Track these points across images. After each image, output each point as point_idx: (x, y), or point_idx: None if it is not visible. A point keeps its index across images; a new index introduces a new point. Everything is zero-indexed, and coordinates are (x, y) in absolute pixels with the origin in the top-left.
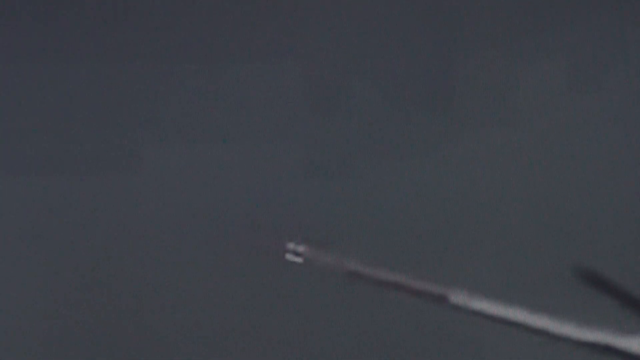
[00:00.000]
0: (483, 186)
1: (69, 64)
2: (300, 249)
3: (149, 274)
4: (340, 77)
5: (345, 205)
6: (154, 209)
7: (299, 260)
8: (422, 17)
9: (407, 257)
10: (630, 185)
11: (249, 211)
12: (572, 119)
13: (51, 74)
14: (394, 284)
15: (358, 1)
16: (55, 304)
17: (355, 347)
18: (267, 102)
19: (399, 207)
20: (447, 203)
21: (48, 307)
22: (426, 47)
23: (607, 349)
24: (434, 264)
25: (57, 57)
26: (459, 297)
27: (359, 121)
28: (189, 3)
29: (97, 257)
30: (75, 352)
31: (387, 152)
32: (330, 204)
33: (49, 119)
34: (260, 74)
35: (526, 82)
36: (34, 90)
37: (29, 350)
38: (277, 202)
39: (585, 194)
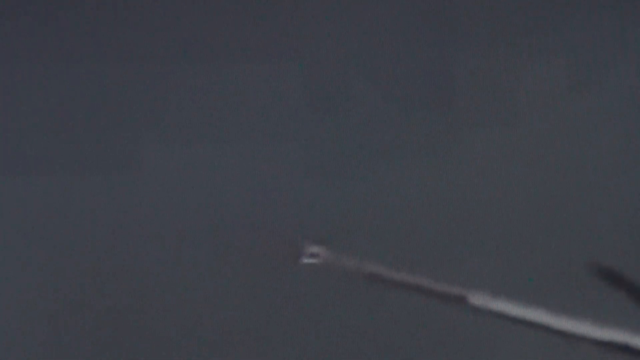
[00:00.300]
0: (494, 186)
1: (69, 64)
2: (315, 250)
3: (157, 278)
4: (344, 78)
5: (356, 206)
6: (161, 212)
7: (314, 262)
8: (422, 16)
9: (421, 259)
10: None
11: (262, 213)
12: (576, 116)
13: (51, 74)
14: (411, 286)
15: (358, 1)
16: (56, 305)
17: (372, 348)
18: (271, 102)
19: (409, 208)
20: (457, 203)
21: (48, 308)
22: (426, 47)
23: (625, 349)
24: (449, 264)
25: (57, 57)
26: (477, 298)
27: (365, 122)
28: (189, 3)
29: (103, 260)
30: (79, 354)
31: (394, 152)
32: (341, 205)
33: (49, 119)
34: (265, 74)
35: (527, 81)
36: (34, 91)
37: (28, 351)
38: (290, 204)
39: (597, 191)
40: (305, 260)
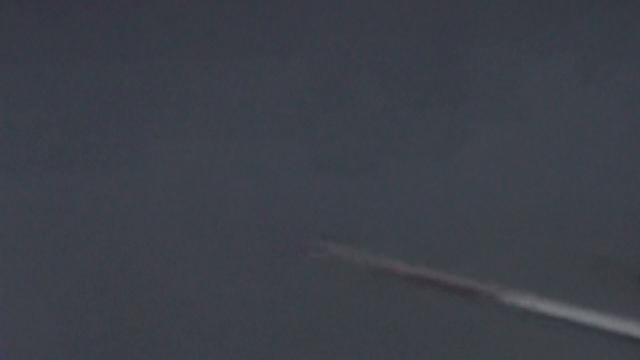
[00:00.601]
0: (503, 180)
1: (70, 62)
2: (323, 245)
3: (166, 273)
4: (351, 73)
5: (364, 200)
6: (168, 207)
7: (322, 256)
8: (430, 11)
9: (431, 253)
10: None
11: (270, 208)
12: (585, 111)
13: (52, 72)
14: (421, 280)
15: None
16: (63, 303)
17: (382, 344)
18: (278, 98)
19: (419, 203)
20: (466, 198)
21: (53, 305)
22: (434, 42)
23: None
24: (460, 258)
25: (58, 55)
26: (488, 292)
27: (373, 117)
28: None
29: (111, 256)
30: (89, 350)
31: (405, 147)
32: (350, 200)
33: (51, 118)
34: (273, 70)
35: (536, 76)
36: (36, 89)
37: (34, 350)
38: (298, 199)
39: (607, 184)
40: (314, 255)
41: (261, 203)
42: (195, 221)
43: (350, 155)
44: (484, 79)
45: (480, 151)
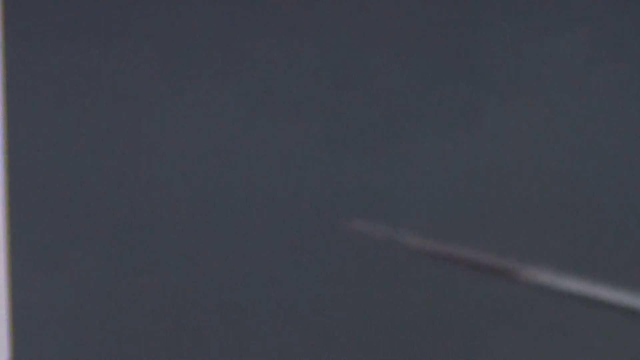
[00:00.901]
0: (519, 155)
1: (70, 60)
2: (358, 225)
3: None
4: (364, 50)
5: (380, 178)
6: (182, 194)
7: (358, 236)
8: None
9: (449, 229)
10: None
11: (286, 189)
12: (601, 87)
13: (53, 72)
14: (440, 256)
15: None
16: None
17: (401, 317)
18: (288, 77)
19: (436, 180)
20: (482, 174)
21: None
22: (449, 18)
23: None
24: (477, 234)
25: (59, 55)
26: (507, 268)
27: (384, 95)
28: None
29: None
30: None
31: (417, 124)
32: (365, 178)
33: (60, 116)
34: (286, 48)
35: (552, 52)
36: (36, 90)
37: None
38: (318, 180)
39: (622, 160)
40: (348, 235)
41: (280, 183)
42: (214, 204)
43: (367, 133)
44: (500, 55)
45: (498, 127)
